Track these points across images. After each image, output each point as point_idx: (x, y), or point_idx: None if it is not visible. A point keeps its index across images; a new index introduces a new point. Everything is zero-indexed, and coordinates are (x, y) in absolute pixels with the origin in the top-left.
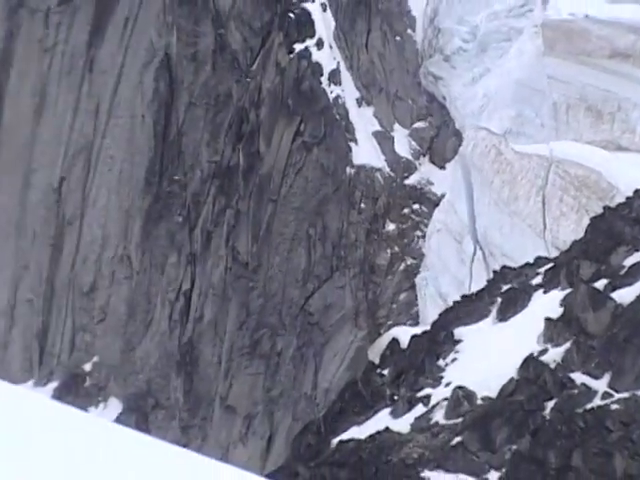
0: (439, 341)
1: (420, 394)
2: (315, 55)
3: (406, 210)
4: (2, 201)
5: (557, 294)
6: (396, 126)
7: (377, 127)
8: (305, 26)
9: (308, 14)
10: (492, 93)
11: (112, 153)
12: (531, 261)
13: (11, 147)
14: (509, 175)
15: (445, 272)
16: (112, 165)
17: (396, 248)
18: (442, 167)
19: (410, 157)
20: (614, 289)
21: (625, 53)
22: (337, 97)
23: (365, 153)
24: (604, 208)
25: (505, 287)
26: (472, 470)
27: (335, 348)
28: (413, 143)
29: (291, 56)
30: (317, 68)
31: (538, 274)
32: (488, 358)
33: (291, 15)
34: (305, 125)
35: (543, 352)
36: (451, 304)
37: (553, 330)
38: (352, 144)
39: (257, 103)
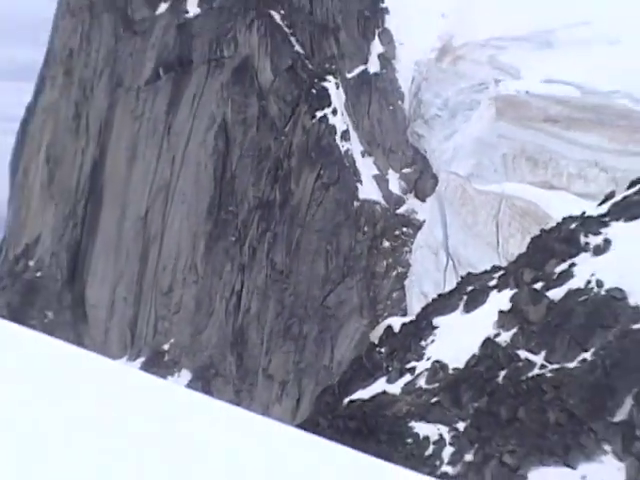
0: (422, 327)
1: (408, 366)
2: (331, 120)
3: (397, 232)
4: (105, 227)
5: (507, 293)
6: (390, 171)
7: (376, 172)
8: (324, 99)
9: (326, 90)
10: (459, 147)
11: (184, 191)
12: (488, 269)
13: (111, 188)
14: (472, 207)
15: (426, 277)
16: (184, 199)
17: (390, 259)
18: (423, 201)
19: (400, 193)
20: (548, 289)
21: (555, 119)
22: (347, 150)
23: (368, 191)
24: (541, 230)
25: (469, 288)
26: (446, 421)
27: (346, 333)
28: (402, 183)
29: (313, 121)
30: (332, 129)
31: (493, 278)
32: (457, 339)
33: (313, 91)
34: (324, 171)
35: (497, 335)
36: (430, 300)
37: (504, 319)
38: (358, 184)
39: (289, 155)
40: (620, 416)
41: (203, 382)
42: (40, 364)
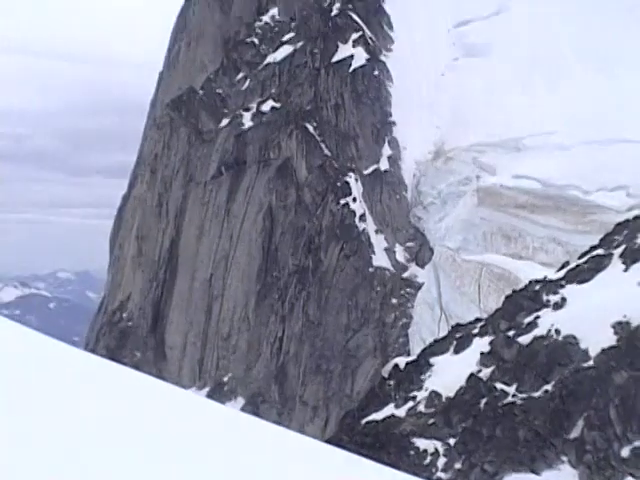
0: (421, 365)
1: (411, 395)
2: (352, 206)
3: (402, 292)
4: (179, 288)
5: (487, 339)
6: (397, 245)
7: (386, 245)
8: (346, 190)
9: (348, 183)
10: (450, 227)
11: (239, 260)
12: (472, 320)
13: (185, 257)
14: (459, 272)
15: (424, 327)
16: (239, 267)
17: (397, 313)
18: (422, 267)
19: (405, 262)
20: (518, 336)
21: (523, 205)
22: (364, 229)
23: (379, 260)
24: (513, 291)
25: (458, 335)
26: (440, 437)
27: (363, 369)
28: (406, 254)
29: (338, 207)
30: (353, 213)
31: (476, 327)
32: (449, 375)
33: (338, 184)
34: (346, 244)
35: (479, 371)
36: (428, 344)
37: (485, 359)
38: (372, 255)
39: (319, 232)
40: (574, 434)
41: (253, 407)
42: (130, 393)
